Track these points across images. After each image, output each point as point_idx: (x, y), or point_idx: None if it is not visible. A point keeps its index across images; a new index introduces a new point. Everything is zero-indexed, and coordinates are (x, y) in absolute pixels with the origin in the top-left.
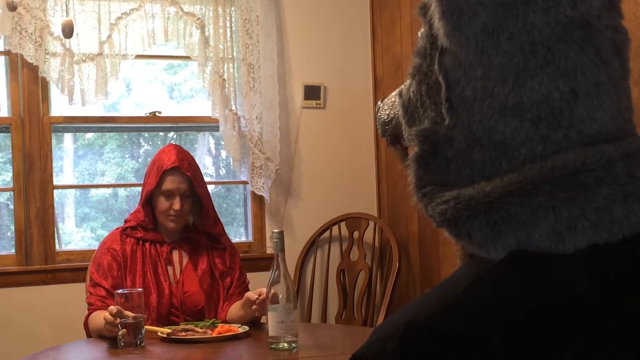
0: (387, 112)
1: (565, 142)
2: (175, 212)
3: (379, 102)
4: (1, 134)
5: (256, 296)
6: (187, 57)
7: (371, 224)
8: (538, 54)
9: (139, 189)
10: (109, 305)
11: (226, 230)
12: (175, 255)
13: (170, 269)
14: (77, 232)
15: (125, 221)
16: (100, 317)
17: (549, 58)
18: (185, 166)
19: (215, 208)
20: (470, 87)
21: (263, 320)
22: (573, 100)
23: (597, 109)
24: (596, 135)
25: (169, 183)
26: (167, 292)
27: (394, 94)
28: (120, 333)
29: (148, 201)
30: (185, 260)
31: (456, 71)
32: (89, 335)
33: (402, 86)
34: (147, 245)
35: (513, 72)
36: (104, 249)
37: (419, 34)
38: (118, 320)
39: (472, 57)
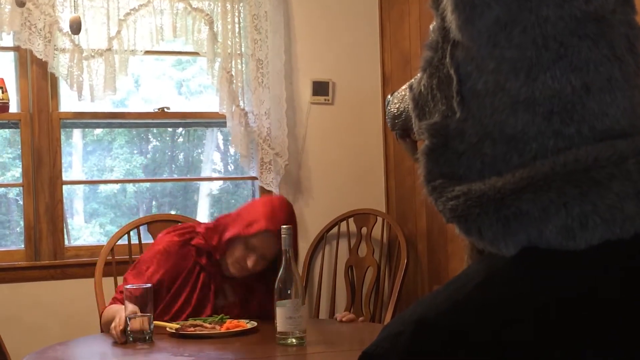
0: (397, 106)
1: (577, 137)
2: (246, 268)
3: (389, 96)
4: (10, 129)
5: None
6: (196, 53)
7: (379, 220)
8: (551, 48)
9: (148, 184)
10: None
11: None
12: (228, 289)
13: (218, 301)
14: (86, 228)
15: (193, 232)
16: (113, 311)
17: (562, 52)
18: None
19: (224, 204)
20: (482, 81)
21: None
22: (585, 95)
23: (610, 104)
24: (608, 130)
25: (258, 241)
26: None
27: (404, 87)
28: (129, 328)
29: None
30: (234, 297)
31: (468, 64)
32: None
33: (413, 80)
34: (203, 273)
35: (525, 66)
36: (159, 263)
37: (431, 27)
38: (123, 339)
39: (484, 50)
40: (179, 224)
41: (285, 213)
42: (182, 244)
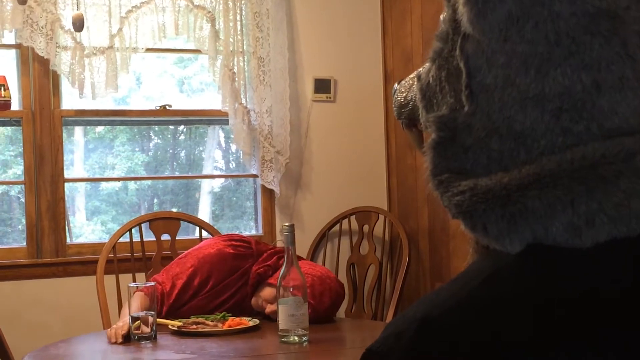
0: (404, 95)
1: (585, 135)
2: (262, 308)
3: (396, 84)
4: (12, 127)
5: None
6: (197, 51)
7: (381, 217)
8: (562, 44)
9: (149, 182)
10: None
11: (236, 224)
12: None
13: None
14: (87, 225)
15: (248, 249)
16: (137, 303)
17: (574, 49)
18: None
19: (225, 202)
20: (492, 75)
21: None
22: (596, 93)
23: (620, 103)
24: (617, 129)
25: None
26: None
27: (411, 76)
28: (132, 326)
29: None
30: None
31: (478, 58)
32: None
33: (421, 69)
34: (242, 291)
35: (536, 62)
36: (204, 267)
37: (442, 17)
38: (121, 340)
39: (495, 44)
40: (236, 233)
41: (326, 304)
42: (234, 257)
